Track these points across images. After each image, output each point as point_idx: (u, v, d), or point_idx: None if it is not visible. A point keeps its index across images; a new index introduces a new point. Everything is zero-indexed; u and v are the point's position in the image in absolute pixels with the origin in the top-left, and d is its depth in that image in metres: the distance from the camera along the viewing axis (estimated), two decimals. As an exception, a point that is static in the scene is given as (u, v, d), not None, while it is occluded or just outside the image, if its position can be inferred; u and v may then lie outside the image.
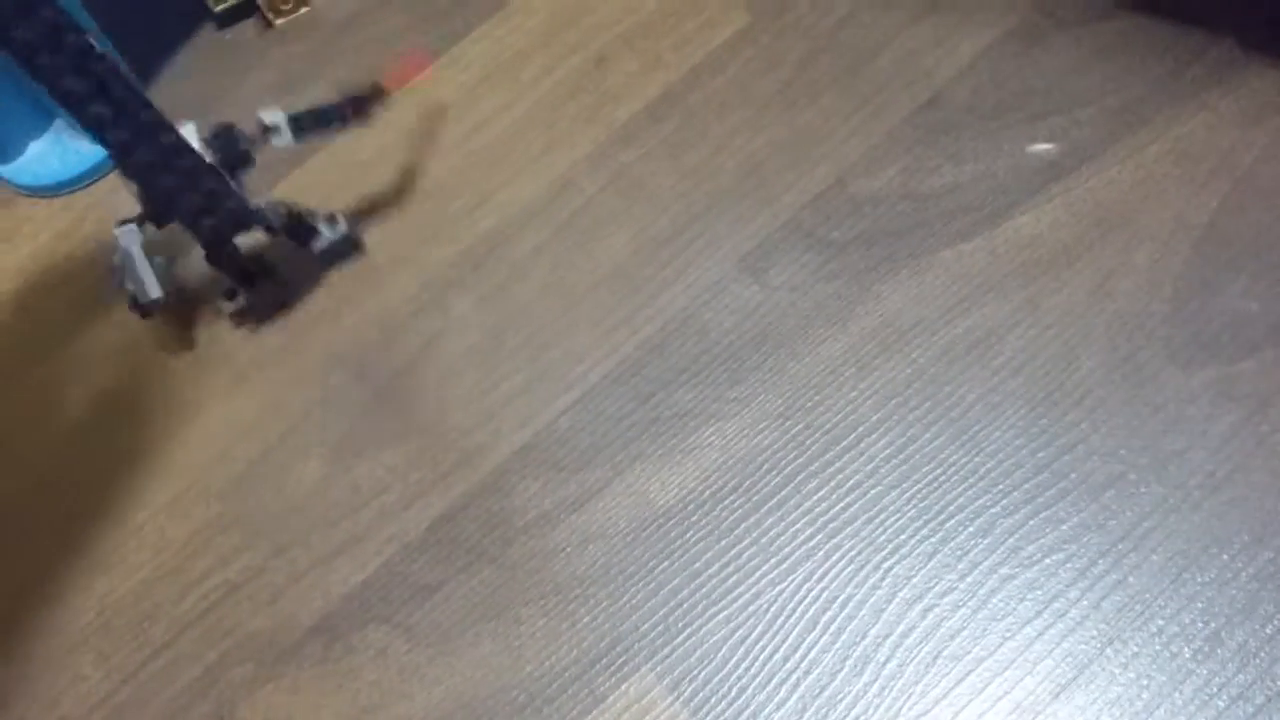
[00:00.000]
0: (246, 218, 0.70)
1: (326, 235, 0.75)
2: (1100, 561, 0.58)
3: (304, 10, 0.89)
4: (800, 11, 0.81)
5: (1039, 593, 0.58)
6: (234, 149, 0.68)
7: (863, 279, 0.70)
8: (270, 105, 0.70)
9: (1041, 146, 0.72)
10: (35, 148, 0.84)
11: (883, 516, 0.62)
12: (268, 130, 0.69)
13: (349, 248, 0.78)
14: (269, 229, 0.72)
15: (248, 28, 0.90)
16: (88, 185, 0.85)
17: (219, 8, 0.88)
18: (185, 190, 0.66)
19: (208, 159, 0.67)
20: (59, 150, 0.83)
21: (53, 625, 0.68)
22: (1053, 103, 0.74)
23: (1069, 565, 0.59)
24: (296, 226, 0.73)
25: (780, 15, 0.81)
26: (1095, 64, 0.75)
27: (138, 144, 0.63)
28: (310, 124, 0.70)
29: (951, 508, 0.61)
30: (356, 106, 0.71)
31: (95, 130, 0.62)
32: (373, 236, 0.79)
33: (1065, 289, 0.67)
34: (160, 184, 0.66)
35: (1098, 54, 0.75)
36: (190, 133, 0.67)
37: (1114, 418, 0.62)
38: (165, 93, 0.87)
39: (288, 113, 0.70)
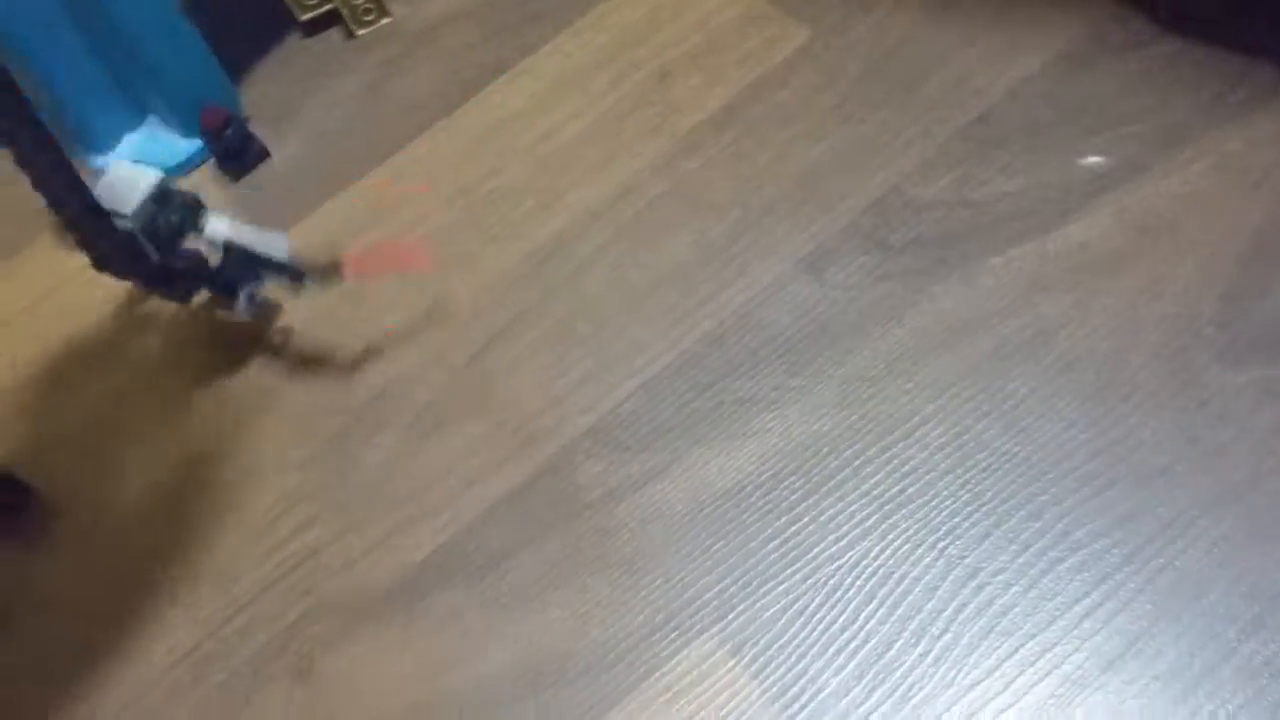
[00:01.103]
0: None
1: (240, 304, 0.74)
2: (1148, 546, 0.61)
3: (385, 21, 0.94)
4: (859, 31, 0.85)
5: (1089, 574, 0.61)
6: (166, 223, 0.68)
7: (918, 280, 0.73)
8: (224, 219, 0.70)
9: (1091, 160, 0.75)
10: (130, 140, 0.88)
11: (937, 500, 0.65)
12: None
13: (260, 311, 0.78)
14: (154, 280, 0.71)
15: (331, 36, 0.95)
16: (181, 177, 0.89)
17: (304, 17, 0.93)
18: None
19: (141, 216, 0.67)
20: (153, 143, 0.88)
21: (145, 580, 0.71)
22: (1101, 121, 0.77)
23: (1118, 549, 0.61)
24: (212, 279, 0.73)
25: (840, 34, 0.85)
26: (1142, 86, 0.78)
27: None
28: (237, 261, 0.70)
29: (1004, 493, 0.64)
30: (293, 274, 0.71)
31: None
32: (444, 235, 0.83)
33: (1114, 292, 0.69)
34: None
35: (1144, 77, 0.78)
36: (143, 185, 0.67)
37: (1162, 412, 0.65)
38: (252, 95, 0.92)
39: (227, 237, 0.69)
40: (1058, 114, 0.78)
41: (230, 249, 0.70)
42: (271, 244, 0.70)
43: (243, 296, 0.73)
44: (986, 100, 0.80)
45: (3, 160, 0.62)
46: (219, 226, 0.70)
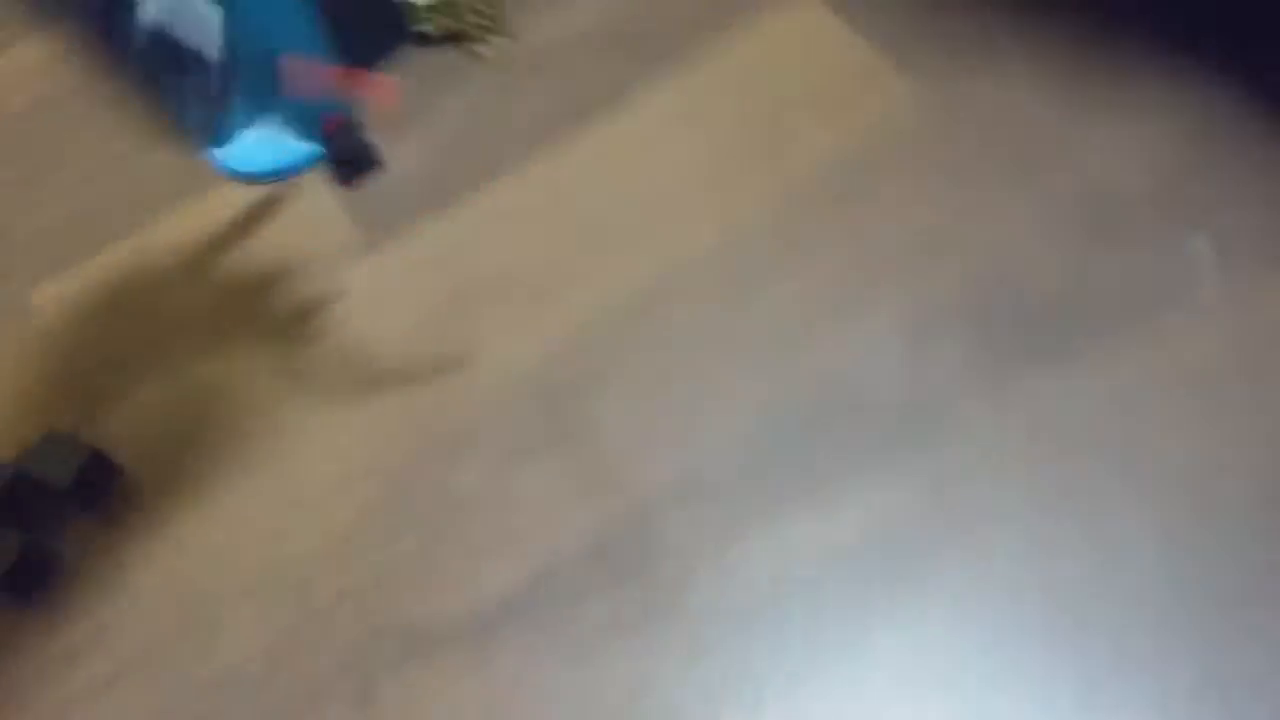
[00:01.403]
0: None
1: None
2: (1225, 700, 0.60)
3: (502, 40, 0.95)
4: (978, 94, 0.84)
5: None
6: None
7: (1017, 367, 0.72)
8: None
9: (1202, 251, 0.74)
10: (246, 137, 0.90)
11: (1015, 606, 0.65)
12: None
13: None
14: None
15: (448, 52, 0.96)
16: (285, 180, 0.91)
17: (417, 28, 0.94)
18: None
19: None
20: (267, 144, 0.89)
21: (219, 576, 0.73)
22: (1218, 209, 0.76)
23: (1214, 700, 0.61)
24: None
25: (959, 95, 0.85)
26: (1264, 175, 0.77)
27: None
28: (162, 53, 0.62)
29: (1082, 612, 0.64)
30: (219, 72, 0.63)
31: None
32: (540, 267, 0.83)
33: (1219, 400, 0.69)
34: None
35: (1267, 165, 0.77)
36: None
37: (1250, 540, 0.64)
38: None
39: (155, 21, 0.60)
40: (1175, 197, 0.77)
41: (158, 37, 0.61)
42: (205, 28, 0.60)
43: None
44: (1099, 176, 0.79)
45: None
46: (150, 6, 0.60)
